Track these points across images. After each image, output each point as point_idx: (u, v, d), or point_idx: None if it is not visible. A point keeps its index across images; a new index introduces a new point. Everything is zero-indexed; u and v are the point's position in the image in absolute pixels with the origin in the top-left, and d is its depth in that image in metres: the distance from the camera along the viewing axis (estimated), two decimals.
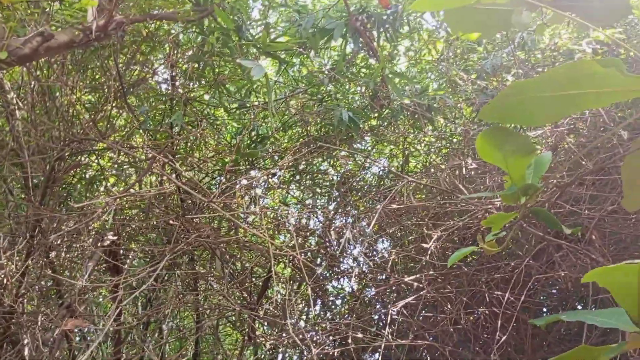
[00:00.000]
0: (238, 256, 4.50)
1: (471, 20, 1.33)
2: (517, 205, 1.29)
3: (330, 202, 4.64)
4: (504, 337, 2.48)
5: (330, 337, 3.46)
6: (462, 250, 1.45)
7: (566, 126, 2.68)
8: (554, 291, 3.52)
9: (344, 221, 4.37)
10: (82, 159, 4.03)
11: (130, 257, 4.70)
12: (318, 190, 4.73)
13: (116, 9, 2.17)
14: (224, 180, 3.07)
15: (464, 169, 2.96)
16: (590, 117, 2.91)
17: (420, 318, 3.14)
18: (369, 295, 4.39)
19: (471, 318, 3.11)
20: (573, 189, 2.64)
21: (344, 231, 3.14)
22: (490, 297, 3.02)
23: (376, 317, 4.10)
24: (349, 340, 2.80)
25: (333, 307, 4.87)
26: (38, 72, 3.32)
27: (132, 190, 2.97)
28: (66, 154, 3.68)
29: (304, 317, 4.56)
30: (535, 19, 2.18)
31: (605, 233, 2.88)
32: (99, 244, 3.98)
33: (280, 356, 4.75)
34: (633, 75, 1.10)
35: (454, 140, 3.92)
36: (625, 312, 0.96)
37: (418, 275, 2.89)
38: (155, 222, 4.09)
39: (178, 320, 5.28)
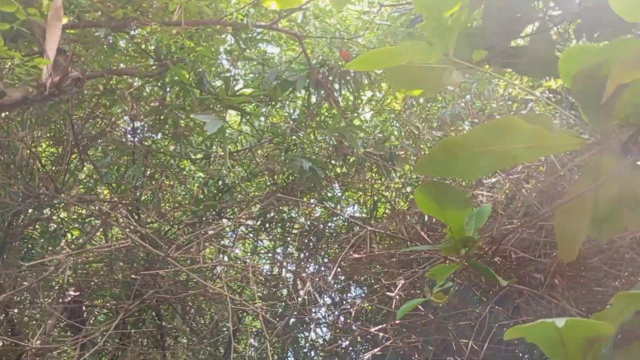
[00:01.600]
0: (206, 309, 4.39)
1: (408, 78, 1.37)
2: (459, 257, 1.30)
3: (300, 251, 4.61)
4: None
5: None
6: (412, 302, 1.45)
7: (521, 173, 2.74)
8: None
9: (313, 270, 4.33)
10: (44, 212, 3.95)
11: (94, 312, 4.55)
12: (288, 238, 4.69)
13: (72, 66, 2.18)
14: (183, 232, 3.01)
15: (426, 216, 2.98)
16: (545, 163, 2.98)
17: None
18: (342, 346, 4.30)
19: None
20: (532, 235, 2.67)
21: (309, 281, 3.10)
22: (457, 346, 2.98)
23: None
24: None
25: (308, 358, 4.75)
26: None
27: (88, 246, 2.89)
28: (26, 208, 3.61)
29: None
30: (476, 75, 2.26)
31: (566, 277, 2.90)
32: (60, 301, 3.84)
33: None
34: (559, 131, 1.14)
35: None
36: None
37: (383, 325, 2.84)
38: (119, 276, 3.99)
39: None
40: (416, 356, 2.97)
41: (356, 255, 2.83)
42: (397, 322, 2.96)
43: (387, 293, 2.89)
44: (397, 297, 2.83)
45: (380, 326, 2.90)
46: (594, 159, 1.16)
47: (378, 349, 2.81)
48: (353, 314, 2.99)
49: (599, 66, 0.97)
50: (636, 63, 0.88)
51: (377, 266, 3.26)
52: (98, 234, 4.19)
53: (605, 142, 1.08)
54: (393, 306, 2.82)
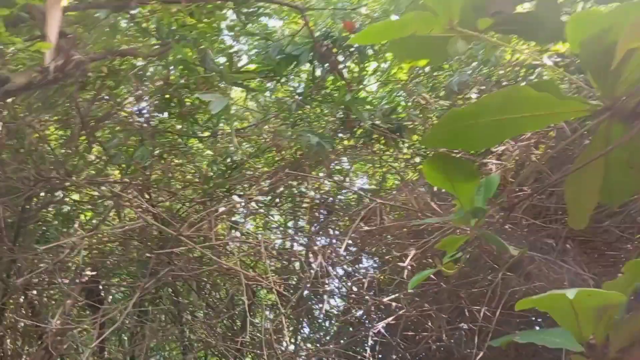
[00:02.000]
0: (221, 284, 4.46)
1: (413, 49, 1.35)
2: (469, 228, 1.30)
3: (311, 224, 4.64)
4: (481, 353, 2.47)
5: None
6: (423, 273, 1.46)
7: (530, 140, 2.71)
8: None
9: (324, 242, 4.36)
10: (56, 195, 3.99)
11: (111, 291, 4.64)
12: (299, 213, 4.72)
13: (74, 49, 2.17)
14: (194, 210, 3.04)
15: (435, 187, 2.97)
16: (556, 130, 2.95)
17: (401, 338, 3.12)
18: (357, 316, 4.36)
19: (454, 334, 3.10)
20: (542, 201, 2.66)
21: (321, 254, 3.13)
22: (470, 312, 3.02)
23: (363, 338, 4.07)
24: None
25: (322, 329, 4.83)
26: (4, 112, 3.30)
27: (102, 228, 2.93)
28: (39, 192, 3.65)
29: (291, 341, 4.50)
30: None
31: (578, 241, 2.91)
32: (77, 281, 3.92)
33: None
34: (567, 97, 1.12)
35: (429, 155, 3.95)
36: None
37: (396, 295, 2.88)
38: (134, 255, 4.05)
39: (166, 353, 5.19)
40: (429, 324, 3.01)
41: (367, 228, 2.84)
42: (409, 291, 2.99)
43: (399, 264, 2.91)
44: (409, 267, 2.85)
45: (393, 296, 2.93)
46: (603, 125, 1.15)
47: (391, 318, 2.84)
48: (366, 284, 3.02)
49: (606, 31, 0.95)
50: None
51: (388, 237, 3.28)
52: (111, 214, 4.24)
53: (614, 107, 1.07)
54: (405, 276, 2.84)
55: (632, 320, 0.89)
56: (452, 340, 3.06)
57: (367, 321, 4.13)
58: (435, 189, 2.99)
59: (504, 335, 1.23)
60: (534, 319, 3.50)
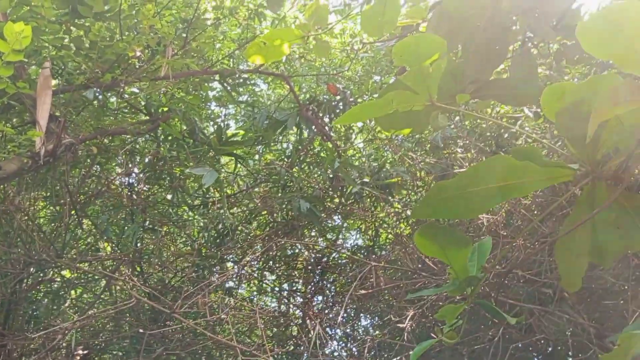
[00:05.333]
0: (216, 354, 4.34)
1: (397, 122, 1.40)
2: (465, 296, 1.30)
3: (306, 285, 4.58)
4: None
5: None
6: (423, 344, 1.44)
7: None
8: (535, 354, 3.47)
9: (321, 303, 4.30)
10: (46, 273, 3.93)
11: None
12: (294, 273, 4.67)
13: (64, 132, 2.20)
14: (187, 283, 3.00)
15: None
16: None
17: None
18: None
19: None
20: (535, 255, 2.67)
21: (318, 321, 3.07)
22: None
23: None
24: None
25: None
26: None
27: (94, 309, 2.87)
28: (29, 274, 3.60)
29: None
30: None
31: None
32: None
33: None
34: (549, 163, 1.16)
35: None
36: None
37: (398, 358, 2.82)
38: (127, 330, 3.95)
39: None
40: None
41: (363, 292, 2.81)
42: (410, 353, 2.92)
43: (399, 325, 2.86)
44: (409, 327, 2.81)
45: (395, 359, 2.87)
46: (587, 188, 1.18)
47: None
48: (367, 346, 2.95)
49: (580, 103, 0.99)
50: (616, 99, 0.90)
51: (385, 296, 3.24)
52: (101, 289, 4.17)
53: (596, 172, 1.10)
54: (405, 339, 2.79)
55: None
56: None
57: None
58: None
59: None
60: None
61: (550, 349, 3.01)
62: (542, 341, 3.02)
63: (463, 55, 1.43)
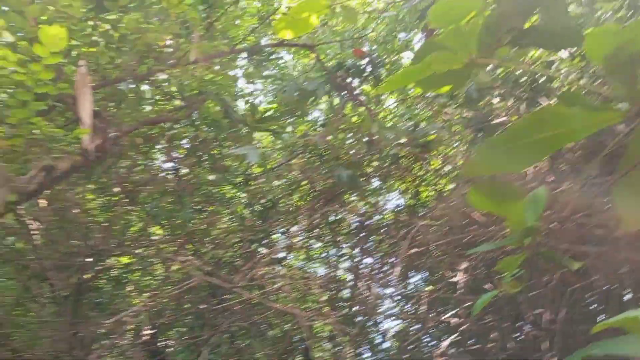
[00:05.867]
0: (276, 322, 4.49)
1: (436, 82, 1.38)
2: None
3: (353, 249, 4.65)
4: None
5: None
6: (485, 296, 1.46)
7: None
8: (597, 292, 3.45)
9: (370, 265, 4.37)
10: (105, 262, 4.12)
11: (172, 346, 4.72)
12: (339, 239, 4.74)
13: (109, 126, 2.28)
14: (239, 256, 3.09)
15: None
16: None
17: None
18: (414, 333, 4.32)
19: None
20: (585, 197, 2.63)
21: (372, 278, 3.13)
22: (532, 317, 2.97)
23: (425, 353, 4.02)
24: None
25: (381, 352, 4.79)
26: (47, 191, 3.45)
27: (161, 291, 3.01)
28: (91, 265, 3.79)
29: None
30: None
31: None
32: (138, 341, 4.01)
33: None
34: (597, 107, 1.14)
35: (459, 163, 3.93)
36: None
37: (455, 311, 2.86)
38: (188, 307, 4.14)
39: None
40: (494, 334, 2.98)
41: (414, 250, 2.85)
42: (466, 305, 2.96)
43: (451, 280, 2.90)
44: (461, 281, 2.84)
45: (451, 312, 2.91)
46: (638, 127, 1.15)
47: (456, 334, 2.82)
48: (422, 302, 3.01)
49: (628, 44, 0.97)
50: None
51: (434, 253, 3.26)
52: (160, 270, 4.35)
53: None
54: (458, 291, 2.83)
55: None
56: (519, 347, 3.01)
57: (425, 338, 4.09)
58: None
59: (571, 337, 1.22)
60: (597, 318, 3.41)
61: (606, 289, 3.00)
62: (598, 283, 3.00)
63: (496, 5, 1.40)
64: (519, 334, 3.05)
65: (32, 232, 3.58)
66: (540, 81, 2.92)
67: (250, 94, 3.32)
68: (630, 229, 1.24)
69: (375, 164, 4.16)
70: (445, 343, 2.73)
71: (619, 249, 2.71)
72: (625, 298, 3.24)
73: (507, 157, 1.15)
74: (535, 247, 1.28)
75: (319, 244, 4.93)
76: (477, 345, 3.06)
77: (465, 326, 2.75)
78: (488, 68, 3.34)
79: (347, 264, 4.68)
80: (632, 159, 1.18)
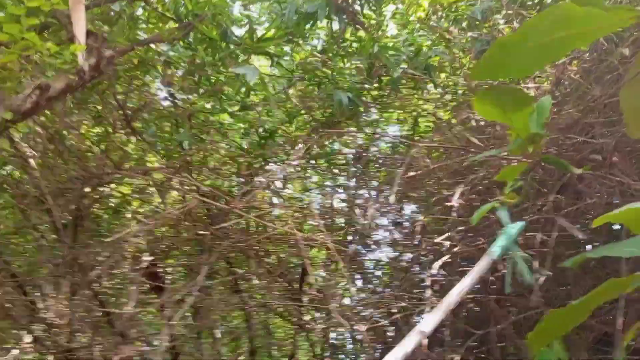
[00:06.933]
0: (273, 250, 4.59)
1: None
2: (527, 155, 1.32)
3: (349, 179, 4.68)
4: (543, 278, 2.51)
5: (377, 310, 3.54)
6: (484, 207, 1.49)
7: (565, 57, 2.65)
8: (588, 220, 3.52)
9: (366, 195, 4.42)
10: (105, 189, 4.14)
11: (171, 273, 4.84)
12: (335, 170, 4.76)
13: (103, 46, 2.22)
14: (241, 183, 3.11)
15: (472, 121, 2.96)
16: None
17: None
18: (406, 261, 4.44)
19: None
20: (585, 118, 2.63)
21: (368, 206, 3.18)
22: (525, 239, 3.04)
23: (417, 280, 4.15)
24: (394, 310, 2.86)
25: (374, 279, 4.95)
26: (42, 118, 3.41)
27: (156, 214, 3.04)
28: (89, 190, 3.80)
29: (347, 294, 4.63)
30: None
31: (625, 153, 2.87)
32: (137, 268, 4.10)
33: (332, 335, 4.90)
34: (611, 7, 1.11)
35: (459, 92, 3.89)
36: None
37: (448, 234, 2.92)
38: (186, 235, 4.20)
39: (230, 321, 5.42)
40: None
41: (412, 173, 2.87)
42: (460, 228, 3.02)
43: (446, 204, 2.94)
44: (458, 205, 2.88)
45: (445, 235, 2.98)
46: None
47: (447, 256, 2.90)
48: (416, 229, 3.07)
49: None
50: None
51: (432, 181, 3.29)
52: (158, 200, 4.38)
53: None
54: (455, 215, 2.88)
55: None
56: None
57: (420, 265, 4.20)
58: (473, 123, 2.97)
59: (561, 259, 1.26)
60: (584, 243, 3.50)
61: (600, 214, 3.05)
62: (592, 208, 3.05)
63: None
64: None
65: (28, 159, 3.57)
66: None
67: (248, 16, 3.20)
68: (634, 136, 1.25)
69: (374, 93, 4.11)
70: (437, 264, 2.80)
71: (614, 173, 2.74)
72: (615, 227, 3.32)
73: (517, 58, 1.14)
74: (538, 155, 1.29)
75: (316, 177, 4.96)
76: (468, 268, 3.15)
77: (457, 248, 2.82)
78: None
79: (343, 195, 4.73)
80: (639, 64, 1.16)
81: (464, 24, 3.36)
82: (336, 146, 4.76)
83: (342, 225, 4.50)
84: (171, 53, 3.33)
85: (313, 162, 4.58)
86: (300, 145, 4.02)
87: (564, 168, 1.18)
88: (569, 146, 2.80)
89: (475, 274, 1.30)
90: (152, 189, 4.28)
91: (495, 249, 1.10)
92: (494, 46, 1.10)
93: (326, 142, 4.51)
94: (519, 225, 1.10)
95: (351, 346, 4.93)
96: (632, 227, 0.89)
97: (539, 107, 1.30)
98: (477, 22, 3.14)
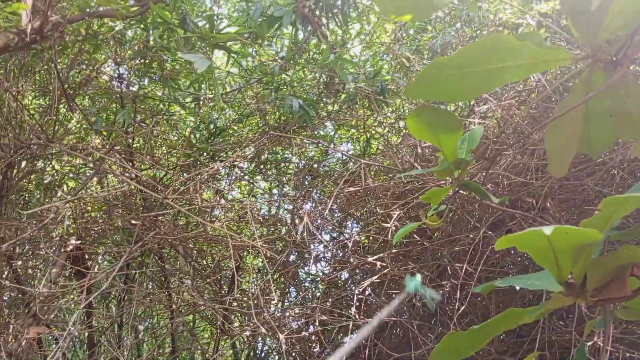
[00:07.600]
0: (206, 250, 4.49)
1: (398, 3, 1.35)
2: (452, 180, 1.32)
3: (296, 190, 4.66)
4: (462, 307, 2.55)
5: (302, 321, 3.50)
6: (407, 227, 1.49)
7: (512, 99, 2.74)
8: (518, 258, 3.63)
9: (310, 207, 4.40)
10: (38, 164, 3.94)
11: (97, 260, 4.65)
12: (284, 179, 4.73)
13: (52, 10, 2.11)
14: (178, 176, 3.03)
15: (419, 148, 3.00)
16: (537, 88, 2.99)
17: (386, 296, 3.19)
18: (342, 278, 4.44)
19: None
20: (524, 159, 2.71)
21: (306, 217, 3.16)
22: (453, 270, 3.09)
23: (348, 299, 4.15)
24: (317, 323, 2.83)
25: (307, 293, 4.91)
26: None
27: (85, 193, 2.91)
28: (19, 160, 3.60)
29: (278, 304, 4.57)
30: None
31: (558, 200, 2.98)
32: (62, 250, 3.91)
33: (259, 344, 4.81)
34: (548, 46, 1.14)
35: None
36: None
37: (380, 255, 2.93)
38: (118, 223, 4.05)
39: (154, 318, 5.25)
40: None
41: (351, 189, 2.87)
42: (393, 251, 3.04)
43: (383, 224, 2.95)
44: (393, 227, 2.90)
45: (377, 256, 2.98)
46: (584, 75, 1.17)
47: (376, 276, 2.90)
48: (350, 246, 3.07)
49: None
50: None
51: (372, 201, 3.31)
52: (94, 183, 4.21)
53: (595, 55, 1.08)
54: (389, 236, 2.89)
55: (609, 258, 0.92)
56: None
57: (352, 283, 4.21)
58: (419, 150, 3.02)
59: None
60: (514, 273, 3.60)
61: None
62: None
63: None
64: (438, 285, 3.17)
65: None
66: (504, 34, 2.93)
67: (211, 10, 3.15)
68: (556, 174, 1.28)
69: (330, 108, 4.13)
70: (366, 283, 2.80)
71: (545, 217, 2.83)
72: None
73: (452, 83, 1.15)
74: (463, 180, 1.30)
75: (263, 183, 4.92)
76: (397, 291, 3.17)
77: (387, 270, 2.83)
78: (456, 25, 3.33)
79: (287, 205, 4.70)
80: (570, 103, 1.20)
81: (425, 54, 3.43)
82: (287, 155, 4.74)
83: (282, 234, 4.46)
84: (129, 33, 3.24)
85: (262, 167, 4.54)
86: (251, 148, 3.98)
87: (483, 195, 1.19)
88: (506, 185, 2.88)
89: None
90: (88, 172, 4.11)
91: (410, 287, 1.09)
92: (430, 65, 1.11)
93: (277, 149, 4.49)
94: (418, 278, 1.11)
95: (276, 357, 4.86)
96: (531, 252, 0.90)
97: (471, 136, 1.32)
98: (436, 55, 3.21)
